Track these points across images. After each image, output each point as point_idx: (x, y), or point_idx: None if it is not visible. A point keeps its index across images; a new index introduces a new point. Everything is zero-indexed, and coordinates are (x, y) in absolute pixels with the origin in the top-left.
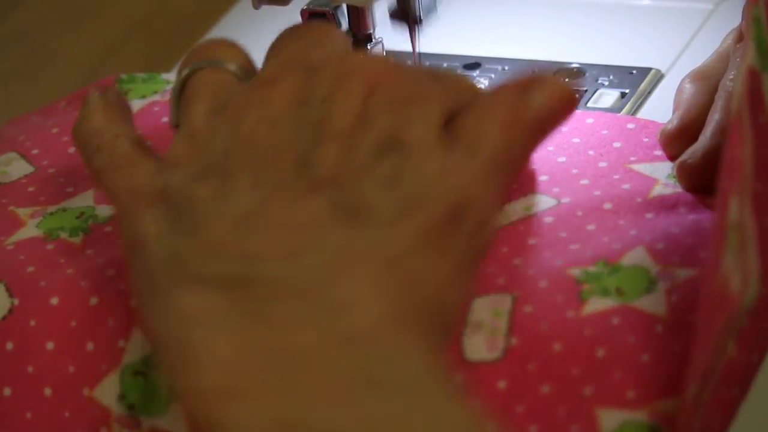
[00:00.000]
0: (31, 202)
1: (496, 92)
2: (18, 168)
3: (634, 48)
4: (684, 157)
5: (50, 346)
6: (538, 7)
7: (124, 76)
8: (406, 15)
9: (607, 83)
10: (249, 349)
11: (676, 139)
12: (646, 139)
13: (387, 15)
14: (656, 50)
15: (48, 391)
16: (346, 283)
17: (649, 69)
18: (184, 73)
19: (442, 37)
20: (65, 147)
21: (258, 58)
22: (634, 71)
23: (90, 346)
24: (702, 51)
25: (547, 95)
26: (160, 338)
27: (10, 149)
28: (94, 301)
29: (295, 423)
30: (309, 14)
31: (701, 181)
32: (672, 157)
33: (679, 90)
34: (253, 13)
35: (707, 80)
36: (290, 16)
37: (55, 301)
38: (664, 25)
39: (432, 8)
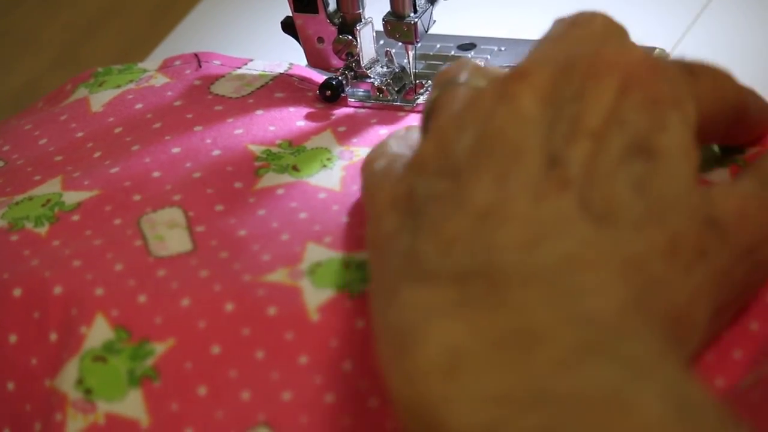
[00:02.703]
0: None
1: None
2: None
3: (637, 28)
4: None
5: (13, 339)
6: None
7: (100, 69)
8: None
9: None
10: (477, 330)
11: None
12: None
13: None
14: (661, 30)
15: (11, 386)
16: (587, 272)
17: (654, 48)
18: (435, 94)
19: (437, 17)
20: (35, 140)
21: (232, 44)
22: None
23: (53, 336)
24: (704, 32)
25: None
26: (384, 330)
27: None
28: (57, 290)
29: (519, 391)
30: None
31: None
32: None
33: None
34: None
35: None
36: (270, 2)
37: (17, 292)
38: (667, 4)
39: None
